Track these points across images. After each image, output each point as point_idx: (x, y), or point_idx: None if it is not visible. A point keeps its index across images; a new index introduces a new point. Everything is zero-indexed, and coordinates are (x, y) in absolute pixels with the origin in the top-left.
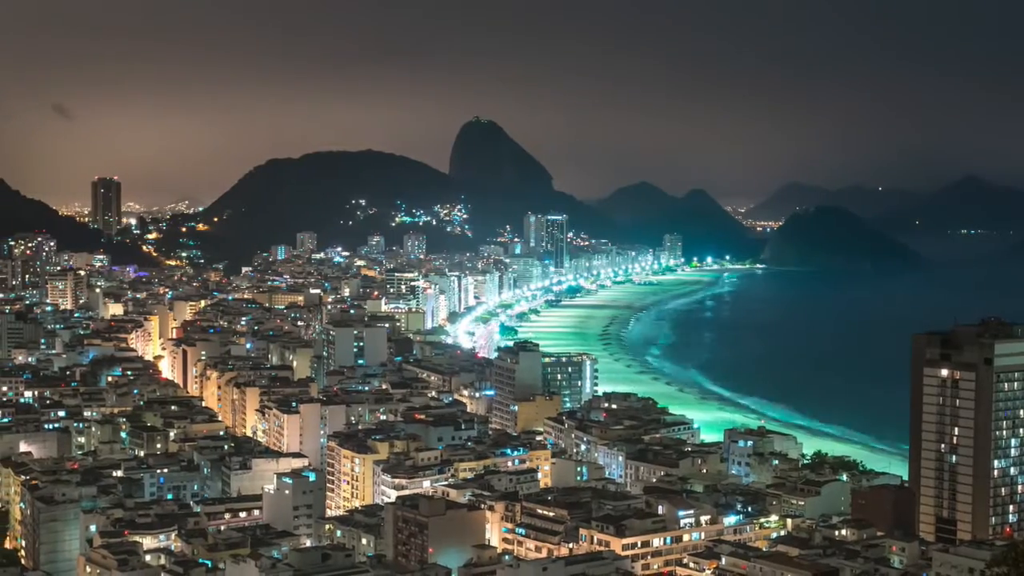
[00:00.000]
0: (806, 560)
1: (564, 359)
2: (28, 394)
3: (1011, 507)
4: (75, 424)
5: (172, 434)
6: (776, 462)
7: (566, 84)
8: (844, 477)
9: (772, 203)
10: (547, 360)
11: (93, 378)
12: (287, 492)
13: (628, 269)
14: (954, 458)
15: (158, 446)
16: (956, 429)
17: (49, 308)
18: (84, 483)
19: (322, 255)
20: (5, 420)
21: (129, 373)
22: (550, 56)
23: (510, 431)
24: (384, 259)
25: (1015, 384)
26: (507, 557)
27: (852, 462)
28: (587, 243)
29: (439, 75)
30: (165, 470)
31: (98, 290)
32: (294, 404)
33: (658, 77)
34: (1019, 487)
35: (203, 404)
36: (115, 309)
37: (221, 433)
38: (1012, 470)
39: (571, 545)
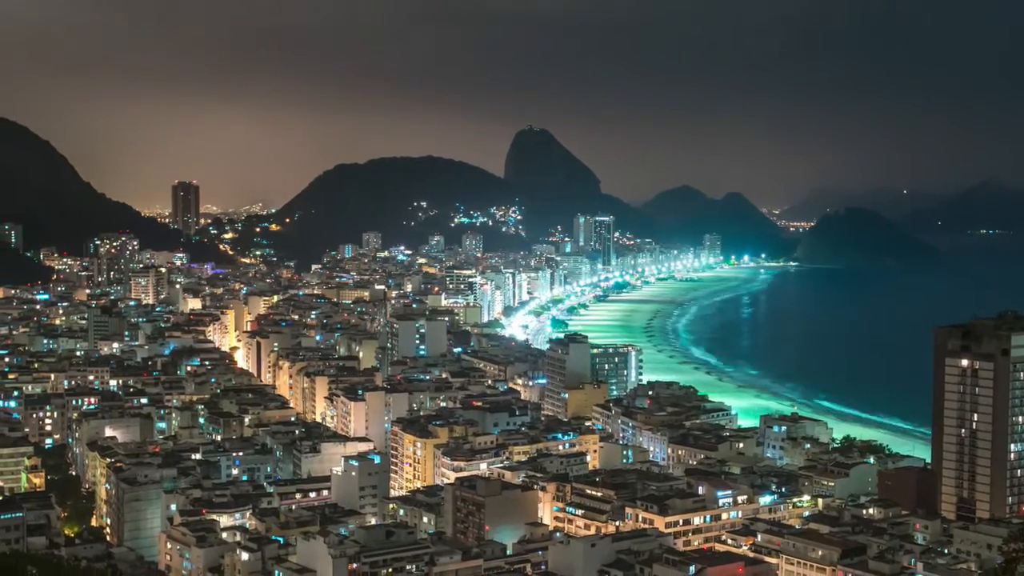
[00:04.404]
0: (836, 537)
1: (611, 350)
2: (113, 382)
3: None
4: (157, 410)
5: (247, 420)
6: (808, 446)
7: (613, 96)
8: (871, 460)
9: (804, 205)
10: (595, 351)
11: (173, 368)
12: (354, 474)
13: (671, 267)
14: (974, 442)
15: (234, 431)
16: (975, 415)
17: (132, 303)
18: (165, 465)
19: (386, 253)
20: (92, 407)
21: (207, 363)
22: (598, 72)
23: (561, 417)
24: (444, 257)
25: None
26: (558, 534)
27: (879, 446)
28: (632, 242)
29: (495, 88)
30: (240, 453)
31: (178, 286)
32: (360, 392)
33: (698, 90)
34: None
35: (276, 392)
36: (194, 304)
37: (292, 419)
38: None
39: (618, 523)
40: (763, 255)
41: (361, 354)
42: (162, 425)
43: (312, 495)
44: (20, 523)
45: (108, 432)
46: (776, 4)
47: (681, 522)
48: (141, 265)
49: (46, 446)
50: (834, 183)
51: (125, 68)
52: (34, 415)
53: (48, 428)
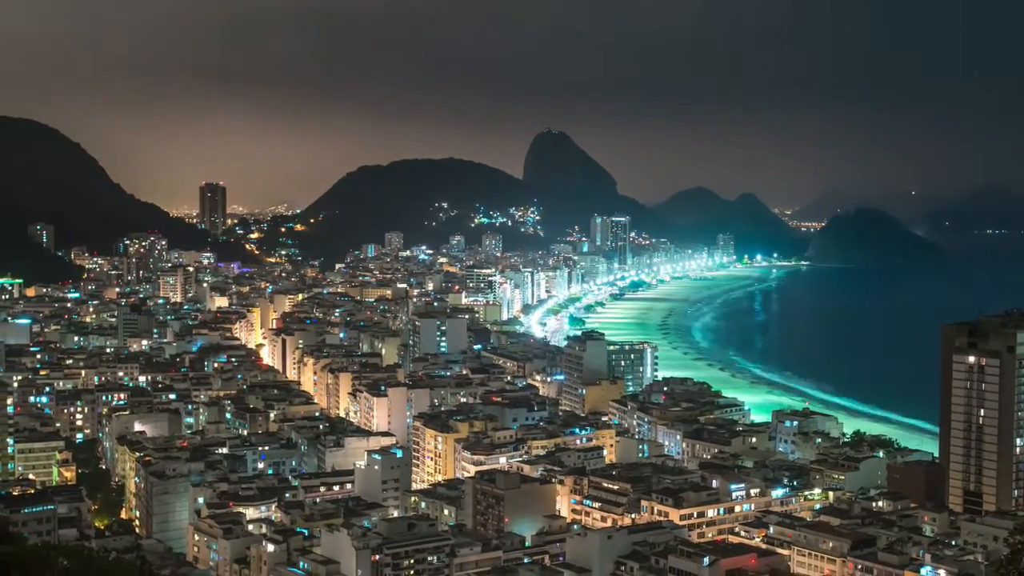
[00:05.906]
0: (846, 529)
1: (627, 347)
2: (142, 379)
3: None
4: (185, 406)
5: (272, 415)
6: (819, 440)
7: (629, 100)
8: (881, 454)
9: (815, 206)
10: (612, 348)
11: (201, 364)
12: (376, 467)
13: (685, 266)
14: (980, 437)
15: (260, 426)
16: (982, 411)
17: (161, 301)
18: (193, 459)
19: (408, 253)
20: (122, 402)
21: (233, 360)
22: (614, 76)
23: (578, 412)
24: (464, 257)
25: None
26: (576, 526)
27: (888, 440)
28: (648, 242)
29: (514, 91)
30: (266, 447)
31: (205, 284)
32: (383, 388)
33: (713, 95)
34: None
35: (300, 388)
36: (220, 302)
37: (317, 414)
38: None
39: (633, 515)
40: (775, 254)
41: (384, 351)
42: (190, 420)
43: (336, 488)
44: (52, 515)
45: (137, 427)
46: (782, 8)
47: (695, 514)
48: (169, 264)
49: (77, 440)
50: (844, 185)
51: (153, 72)
52: (65, 410)
53: (79, 423)
